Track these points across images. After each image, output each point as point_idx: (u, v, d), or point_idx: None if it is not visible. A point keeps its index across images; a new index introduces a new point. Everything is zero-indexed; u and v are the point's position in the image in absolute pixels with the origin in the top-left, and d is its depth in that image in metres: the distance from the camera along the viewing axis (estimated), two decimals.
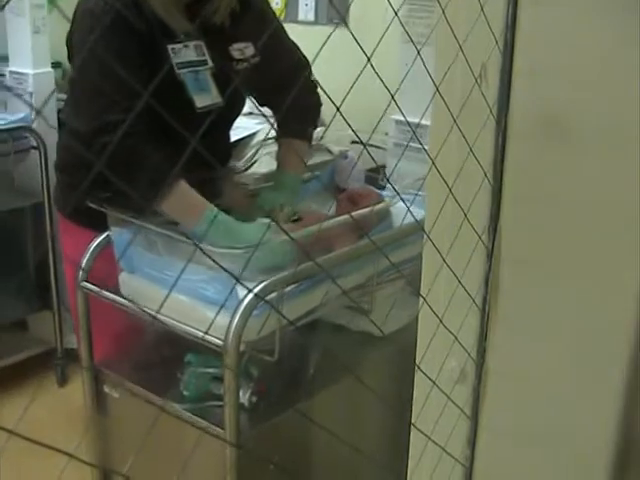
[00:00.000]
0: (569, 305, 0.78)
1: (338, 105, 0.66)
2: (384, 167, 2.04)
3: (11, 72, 2.94)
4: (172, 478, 1.47)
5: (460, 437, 0.89)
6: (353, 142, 2.10)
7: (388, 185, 1.85)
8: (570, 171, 0.76)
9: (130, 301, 1.49)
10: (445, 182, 0.76)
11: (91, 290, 1.55)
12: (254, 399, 1.45)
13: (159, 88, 1.58)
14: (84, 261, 1.56)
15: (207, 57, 1.64)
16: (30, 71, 2.88)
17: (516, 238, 0.81)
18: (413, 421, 0.89)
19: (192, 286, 1.38)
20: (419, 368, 0.84)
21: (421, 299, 0.83)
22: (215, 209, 1.52)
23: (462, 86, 0.77)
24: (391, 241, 1.51)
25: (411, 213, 0.75)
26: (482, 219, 0.81)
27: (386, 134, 2.06)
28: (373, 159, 0.86)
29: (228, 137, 1.89)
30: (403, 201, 0.80)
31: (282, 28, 1.85)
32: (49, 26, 2.89)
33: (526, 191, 0.79)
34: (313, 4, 2.62)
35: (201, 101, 1.62)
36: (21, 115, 2.82)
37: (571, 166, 0.75)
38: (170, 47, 1.58)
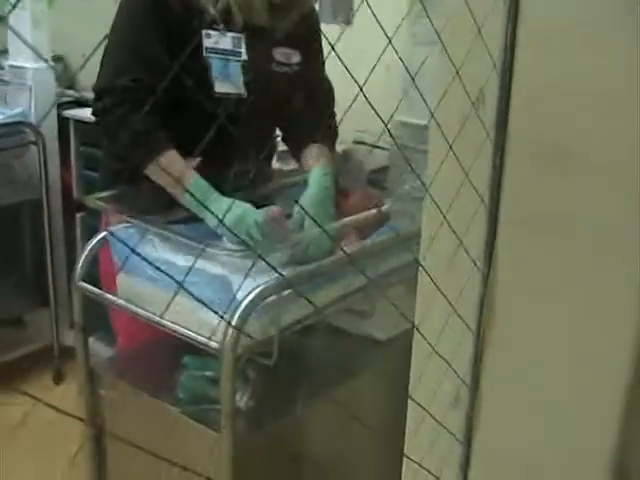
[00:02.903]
0: (565, 330, 0.78)
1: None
2: (388, 168, 2.04)
3: (11, 66, 2.94)
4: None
5: (453, 463, 0.88)
6: (356, 142, 2.10)
7: (389, 186, 1.85)
8: (568, 197, 0.75)
9: (127, 302, 1.49)
10: (439, 209, 0.76)
11: (87, 290, 1.55)
12: (251, 403, 1.45)
13: (182, 68, 1.62)
14: (81, 261, 1.56)
15: (243, 51, 1.69)
16: (30, 65, 2.88)
17: (512, 263, 0.81)
18: (405, 449, 0.89)
19: (190, 287, 1.37)
20: (411, 397, 0.84)
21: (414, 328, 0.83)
22: (199, 177, 1.55)
23: (459, 111, 0.77)
24: (391, 245, 1.51)
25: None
26: (478, 244, 0.81)
27: (392, 135, 2.06)
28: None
29: (260, 138, 1.85)
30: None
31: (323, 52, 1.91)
32: (49, 20, 2.89)
33: (523, 216, 0.79)
34: (317, 3, 2.60)
35: (221, 87, 1.65)
36: (20, 110, 2.83)
37: (569, 192, 0.75)
38: (205, 32, 1.63)
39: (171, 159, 1.57)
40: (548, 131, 0.75)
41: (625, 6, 0.68)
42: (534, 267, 0.80)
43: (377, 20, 0.61)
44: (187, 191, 1.54)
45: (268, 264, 0.72)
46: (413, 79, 0.67)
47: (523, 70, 0.75)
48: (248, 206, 1.53)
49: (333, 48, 0.56)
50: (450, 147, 0.75)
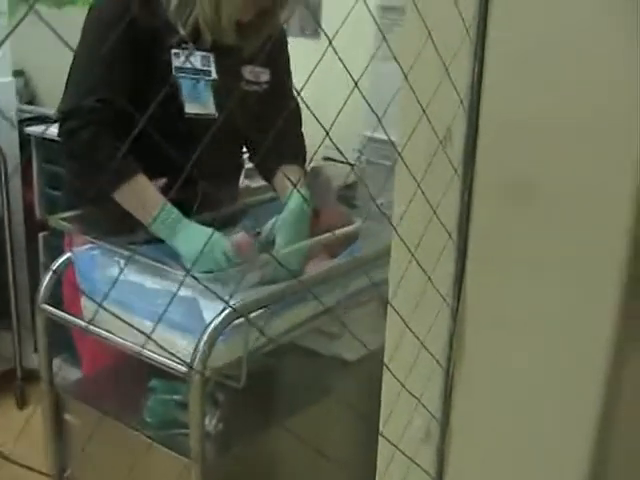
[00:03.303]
0: (534, 366, 0.80)
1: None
2: (356, 184, 2.05)
3: None
4: None
5: None
6: (325, 159, 2.11)
7: (359, 203, 1.86)
8: (535, 232, 0.77)
9: (91, 325, 1.48)
10: (407, 247, 0.77)
11: (51, 313, 1.54)
12: (220, 426, 1.44)
13: (151, 88, 1.62)
14: (44, 283, 1.55)
15: (212, 70, 1.69)
16: None
17: (481, 299, 0.82)
18: None
19: (156, 310, 1.37)
20: (381, 434, 0.85)
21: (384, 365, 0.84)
22: (169, 205, 1.54)
23: (426, 148, 0.79)
24: (360, 264, 1.52)
25: None
26: (446, 280, 0.82)
27: (359, 151, 2.08)
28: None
29: (229, 158, 1.88)
30: None
31: (290, 69, 1.92)
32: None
33: (491, 252, 0.80)
34: (286, 22, 2.62)
35: (192, 107, 1.64)
36: None
37: (536, 227, 0.77)
38: (173, 51, 1.63)
39: (140, 184, 1.56)
40: (515, 167, 0.76)
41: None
42: (503, 302, 0.81)
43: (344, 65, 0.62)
44: (156, 219, 1.53)
45: (217, 295, 0.72)
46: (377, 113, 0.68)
47: (490, 107, 0.77)
48: (216, 235, 1.52)
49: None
50: (418, 185, 0.76)
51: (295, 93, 1.87)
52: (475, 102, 0.76)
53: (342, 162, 2.09)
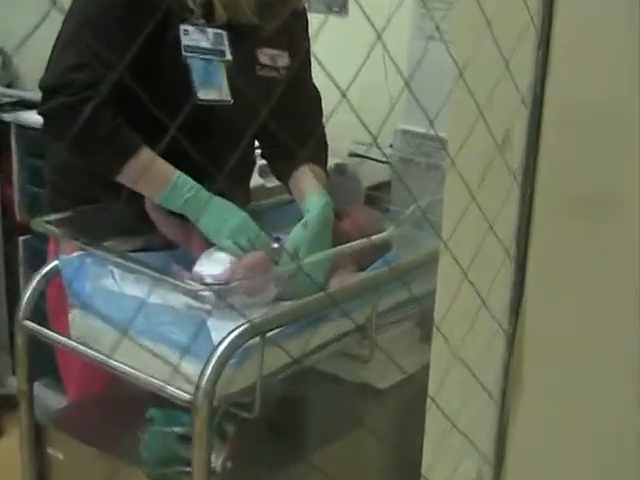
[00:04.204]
0: (598, 402, 0.79)
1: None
2: (387, 184, 2.05)
3: None
4: None
5: None
6: (351, 155, 2.11)
7: (391, 206, 1.86)
8: (607, 253, 0.76)
9: (79, 343, 1.49)
10: (460, 266, 0.77)
11: (34, 330, 1.54)
12: (228, 464, 1.44)
13: (158, 69, 1.63)
14: (26, 296, 1.55)
15: (226, 49, 1.69)
16: None
17: (541, 326, 0.81)
18: None
19: (157, 329, 1.37)
20: (425, 478, 0.84)
21: (428, 399, 0.83)
22: (182, 174, 1.56)
23: (482, 153, 0.78)
24: (393, 277, 1.51)
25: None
26: (502, 304, 0.82)
27: (390, 146, 2.07)
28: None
29: (247, 150, 1.89)
30: None
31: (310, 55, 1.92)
32: None
33: (554, 273, 0.80)
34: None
35: (205, 93, 1.64)
36: None
37: (609, 247, 0.76)
38: (183, 28, 1.62)
39: (147, 157, 1.55)
40: (585, 175, 0.76)
41: None
42: (566, 330, 0.80)
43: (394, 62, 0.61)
44: (171, 189, 1.55)
45: (233, 308, 0.72)
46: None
47: (555, 106, 0.76)
48: (246, 214, 1.57)
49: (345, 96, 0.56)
50: (472, 196, 0.75)
51: (341, 95, 1.87)
52: (538, 100, 0.75)
53: (373, 159, 2.09)
